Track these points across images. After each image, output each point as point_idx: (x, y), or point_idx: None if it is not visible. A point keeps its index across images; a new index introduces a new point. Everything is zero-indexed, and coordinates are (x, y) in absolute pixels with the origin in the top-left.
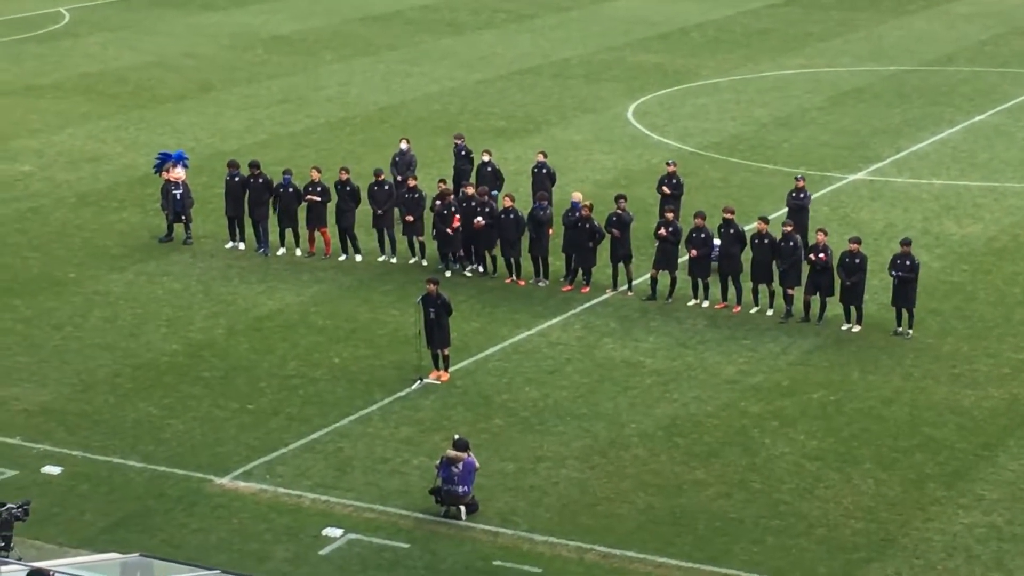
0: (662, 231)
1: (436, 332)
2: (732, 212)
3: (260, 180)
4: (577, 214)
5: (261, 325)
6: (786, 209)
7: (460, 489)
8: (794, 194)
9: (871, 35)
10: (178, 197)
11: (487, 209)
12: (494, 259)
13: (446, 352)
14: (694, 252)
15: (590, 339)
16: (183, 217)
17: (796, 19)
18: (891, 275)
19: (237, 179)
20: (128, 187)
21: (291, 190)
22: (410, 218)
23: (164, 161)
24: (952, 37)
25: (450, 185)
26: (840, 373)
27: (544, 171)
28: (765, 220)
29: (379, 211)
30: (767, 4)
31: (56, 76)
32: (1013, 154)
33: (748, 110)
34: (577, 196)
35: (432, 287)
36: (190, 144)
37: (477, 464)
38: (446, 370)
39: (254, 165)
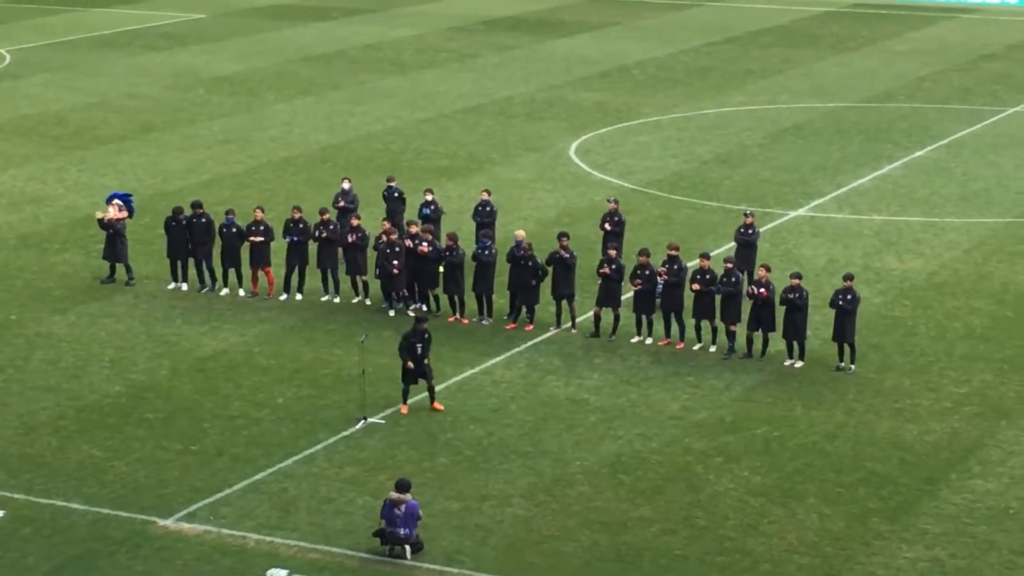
0: (605, 269)
1: (426, 367)
2: (677, 248)
3: (203, 220)
4: (520, 252)
5: (204, 366)
6: (732, 244)
7: (402, 531)
8: (743, 230)
9: (811, 72)
10: (110, 235)
11: (431, 248)
12: (436, 298)
13: (433, 383)
14: (639, 284)
15: (534, 377)
16: (119, 258)
17: (736, 56)
18: (832, 305)
19: (183, 221)
20: (70, 228)
21: (234, 230)
22: (395, 270)
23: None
24: (891, 74)
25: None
26: (783, 408)
27: (487, 208)
28: (706, 256)
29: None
30: (707, 42)
31: None
32: (952, 189)
33: (689, 147)
34: (520, 234)
35: (422, 325)
36: (132, 185)
37: (420, 512)
38: (433, 401)
39: (196, 205)
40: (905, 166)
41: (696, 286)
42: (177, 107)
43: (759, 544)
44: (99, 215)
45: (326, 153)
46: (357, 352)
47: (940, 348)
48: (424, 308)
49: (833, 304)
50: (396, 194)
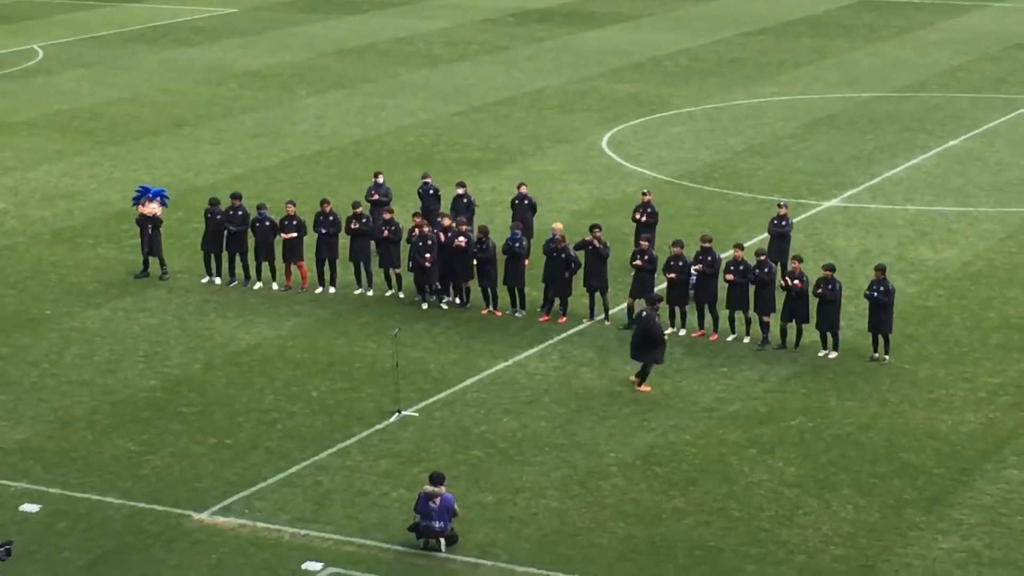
0: (638, 260)
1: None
2: (710, 240)
3: (240, 212)
4: (552, 244)
5: (238, 359)
6: (765, 236)
7: (437, 525)
8: (776, 221)
9: (843, 62)
10: (149, 232)
11: (465, 240)
12: (468, 290)
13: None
14: (672, 276)
15: (568, 369)
16: (156, 253)
17: (769, 47)
18: (866, 296)
19: (218, 215)
20: (103, 223)
21: (267, 224)
22: (427, 263)
23: (143, 195)
24: (924, 63)
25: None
26: (817, 399)
27: (526, 202)
28: (740, 247)
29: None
30: (740, 33)
31: (30, 113)
32: (986, 179)
33: (722, 138)
34: (558, 227)
35: None
36: (165, 180)
37: (456, 507)
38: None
39: (235, 196)
40: (939, 156)
41: (730, 276)
42: (209, 101)
43: (794, 535)
44: (147, 212)
45: (358, 147)
46: (391, 345)
47: (975, 338)
48: (457, 301)
49: (867, 296)
50: (431, 191)
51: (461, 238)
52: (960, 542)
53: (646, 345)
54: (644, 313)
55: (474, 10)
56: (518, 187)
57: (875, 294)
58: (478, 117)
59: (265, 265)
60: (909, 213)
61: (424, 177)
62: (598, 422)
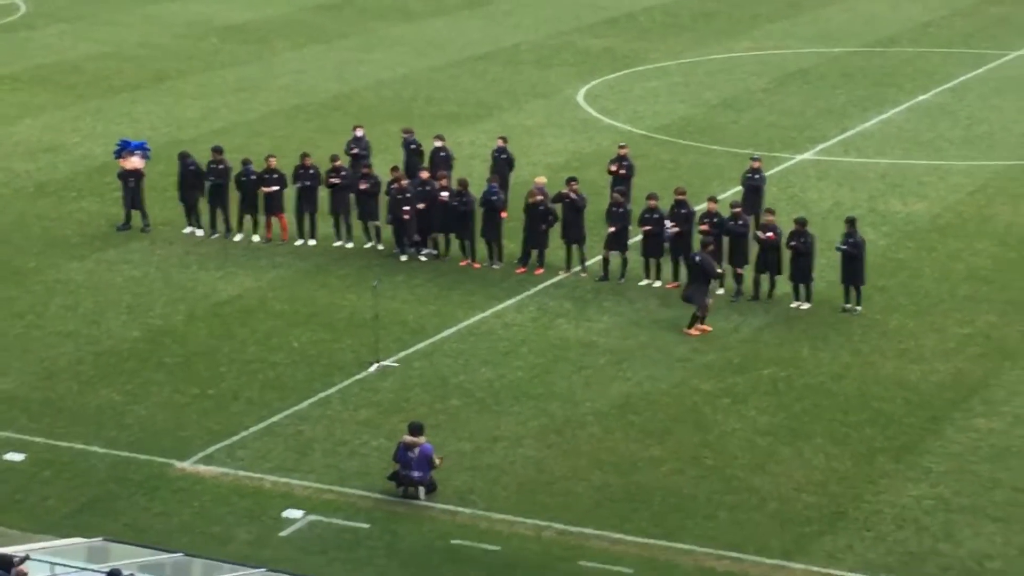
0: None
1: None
2: (684, 193)
3: (221, 166)
4: (530, 199)
5: (220, 310)
6: (738, 189)
7: (415, 474)
8: (749, 174)
9: (817, 17)
10: (131, 185)
11: (444, 193)
12: (448, 242)
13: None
14: (648, 228)
15: (544, 320)
16: (139, 206)
17: (742, 2)
18: (837, 249)
19: (191, 167)
20: (86, 176)
21: (253, 177)
22: (406, 216)
23: (123, 148)
24: (896, 19)
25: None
26: (790, 350)
27: (504, 156)
28: (714, 200)
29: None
30: None
31: (13, 67)
32: (956, 133)
33: (696, 92)
34: (541, 180)
35: None
36: (147, 133)
37: (435, 458)
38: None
39: (217, 150)
40: (910, 110)
41: (704, 226)
42: (190, 55)
43: (767, 483)
44: (129, 166)
45: (337, 101)
46: (370, 296)
47: (944, 290)
48: (435, 252)
49: (839, 248)
50: (412, 146)
51: (443, 193)
52: (929, 489)
53: (701, 288)
54: (699, 258)
55: None
56: (498, 140)
57: (844, 246)
58: (455, 72)
59: (248, 217)
60: (880, 166)
61: (405, 132)
62: (574, 372)
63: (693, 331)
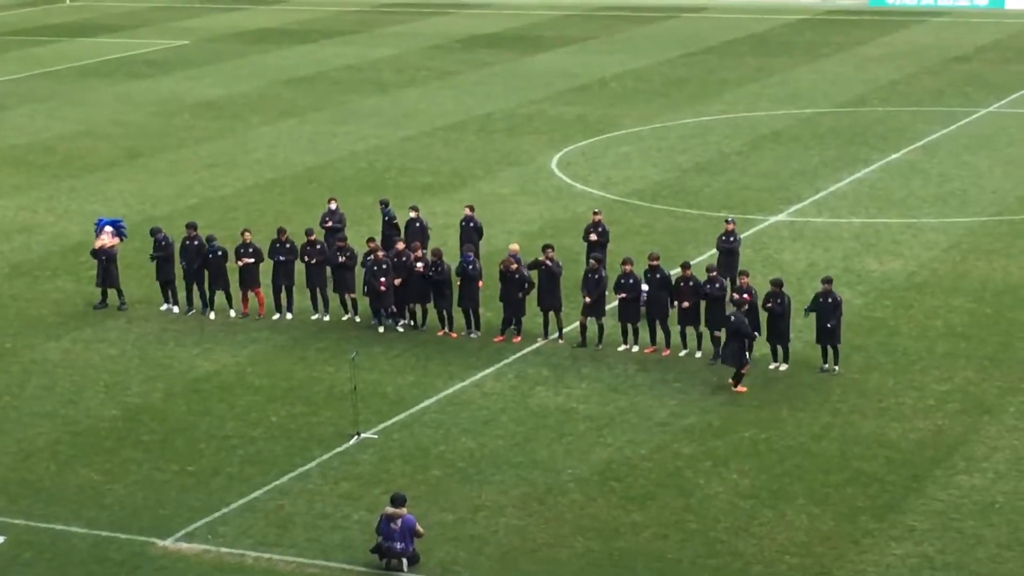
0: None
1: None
2: (658, 258)
3: (195, 242)
4: (502, 267)
5: (198, 387)
6: (714, 251)
7: (398, 546)
8: (724, 237)
9: (786, 79)
10: (103, 262)
11: (420, 264)
12: (425, 313)
13: None
14: (623, 295)
15: (523, 388)
16: (112, 283)
17: (713, 66)
18: (807, 313)
19: (162, 242)
20: (61, 256)
21: (220, 253)
22: (382, 287)
23: (98, 226)
24: (864, 79)
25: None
26: (770, 411)
27: (471, 224)
28: (687, 266)
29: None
30: (684, 53)
31: None
32: (929, 190)
33: (669, 157)
34: (515, 248)
35: None
36: (121, 211)
37: (419, 528)
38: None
39: (191, 227)
40: (882, 169)
41: (686, 304)
42: (163, 133)
43: (750, 546)
44: (96, 245)
45: (311, 173)
46: (348, 369)
47: (922, 347)
48: (412, 323)
49: (814, 308)
50: (387, 218)
51: (419, 264)
52: (913, 548)
53: (738, 347)
54: (733, 317)
55: (422, 37)
56: (465, 209)
57: (822, 308)
58: (428, 142)
59: (220, 293)
60: (854, 226)
61: (382, 204)
62: (555, 439)
63: (741, 388)
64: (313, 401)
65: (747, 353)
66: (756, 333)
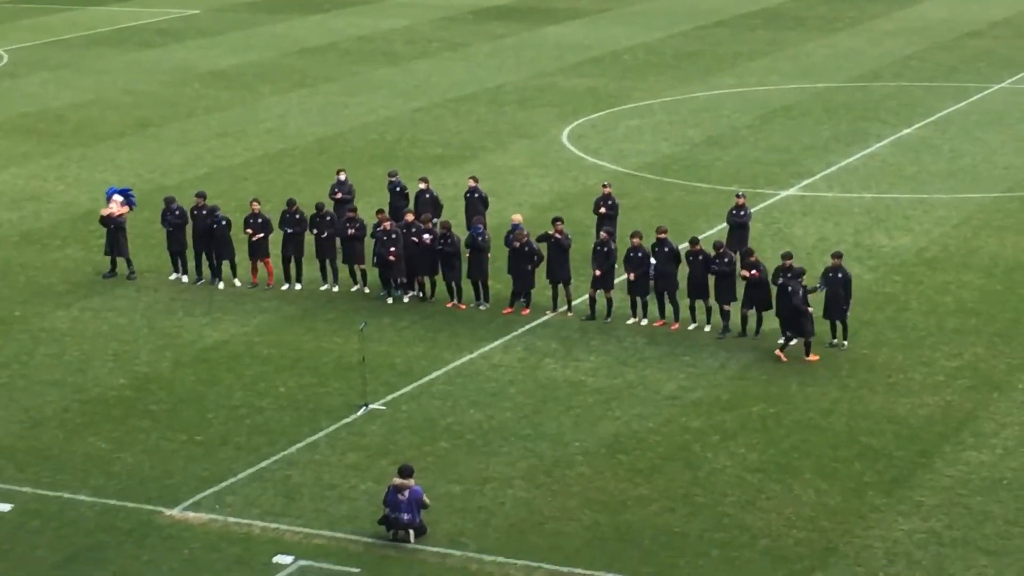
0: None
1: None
2: (665, 231)
3: (204, 211)
4: (511, 237)
5: (207, 356)
6: (724, 225)
7: (405, 517)
8: (735, 211)
9: (798, 53)
10: (110, 230)
11: (429, 236)
12: (434, 284)
13: None
14: (631, 275)
15: (532, 360)
16: (120, 252)
17: (725, 40)
18: (819, 288)
19: (176, 211)
20: (70, 224)
21: (224, 223)
22: (392, 258)
23: (110, 195)
24: (877, 53)
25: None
26: (778, 386)
27: (476, 195)
28: (695, 242)
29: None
30: (696, 26)
31: None
32: (940, 166)
33: (680, 130)
34: (517, 218)
35: None
36: (131, 180)
37: (425, 499)
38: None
39: (200, 195)
40: (893, 144)
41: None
42: (174, 102)
43: (757, 520)
44: (104, 212)
45: (321, 144)
46: (357, 340)
47: (931, 323)
48: (421, 295)
49: (825, 283)
50: (398, 188)
51: (427, 235)
52: (920, 523)
53: (798, 318)
54: (791, 288)
55: (434, 8)
56: (469, 180)
57: (831, 283)
58: (439, 113)
59: (225, 263)
60: (865, 201)
61: (391, 175)
62: (563, 412)
63: (812, 356)
64: (321, 372)
65: (811, 323)
66: (809, 308)
